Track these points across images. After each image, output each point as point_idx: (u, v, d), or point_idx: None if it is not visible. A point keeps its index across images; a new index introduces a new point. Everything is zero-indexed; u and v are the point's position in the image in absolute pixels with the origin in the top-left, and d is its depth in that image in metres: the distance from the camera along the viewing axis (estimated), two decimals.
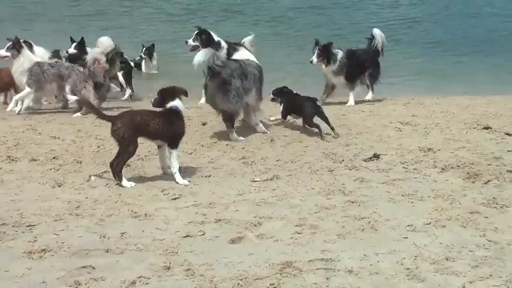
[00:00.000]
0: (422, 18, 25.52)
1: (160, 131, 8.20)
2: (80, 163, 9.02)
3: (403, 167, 8.98)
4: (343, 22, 24.44)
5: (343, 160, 9.25)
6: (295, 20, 24.58)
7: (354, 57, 13.97)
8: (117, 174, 8.10)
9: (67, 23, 22.66)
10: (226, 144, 9.98)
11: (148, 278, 5.67)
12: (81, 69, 12.59)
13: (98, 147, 9.72)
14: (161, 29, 22.74)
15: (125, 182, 8.07)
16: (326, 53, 13.64)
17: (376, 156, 9.34)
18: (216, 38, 13.35)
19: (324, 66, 13.70)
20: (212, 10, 25.76)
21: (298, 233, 6.64)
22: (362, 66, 14.15)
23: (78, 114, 12.19)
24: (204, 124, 11.22)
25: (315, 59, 13.58)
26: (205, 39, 13.24)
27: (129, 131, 8.06)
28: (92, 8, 25.87)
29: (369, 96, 14.32)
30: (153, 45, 13.57)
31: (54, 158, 9.20)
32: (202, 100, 12.74)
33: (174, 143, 8.31)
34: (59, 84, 12.50)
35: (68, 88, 12.44)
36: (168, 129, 8.25)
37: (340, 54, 13.81)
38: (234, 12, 25.77)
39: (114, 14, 25.35)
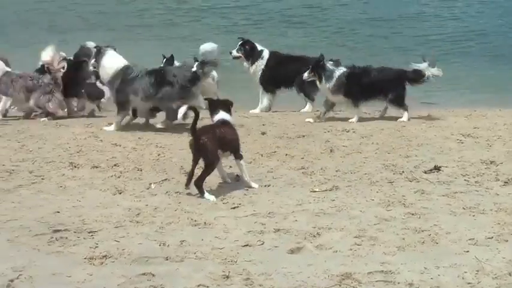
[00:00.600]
0: (485, 31, 25.13)
1: (233, 141, 8.36)
2: (141, 171, 9.10)
3: (465, 180, 8.85)
4: (407, 34, 24.24)
5: (403, 172, 9.15)
6: (358, 32, 24.46)
7: (355, 78, 12.63)
8: (199, 189, 8.02)
9: (123, 32, 22.85)
10: (286, 154, 9.96)
11: (207, 287, 5.70)
12: (46, 80, 12.37)
13: (158, 155, 9.79)
14: (222, 39, 22.82)
15: (207, 195, 8.00)
16: (317, 70, 12.55)
17: (437, 168, 9.23)
18: (259, 47, 13.96)
19: (318, 83, 12.66)
20: (274, 22, 25.80)
21: (358, 245, 6.60)
22: (372, 88, 12.73)
23: (45, 119, 12.27)
24: (263, 134, 11.20)
25: (306, 74, 12.68)
26: (249, 50, 13.52)
27: (215, 145, 8.08)
28: (152, 18, 26.14)
29: (404, 118, 12.75)
30: (172, 56, 13.56)
31: (115, 165, 9.29)
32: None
33: (238, 152, 8.42)
34: (26, 95, 12.34)
35: (32, 102, 12.34)
36: (236, 138, 8.43)
37: (338, 72, 12.56)
38: (297, 23, 25.78)
39: (174, 24, 25.52)
